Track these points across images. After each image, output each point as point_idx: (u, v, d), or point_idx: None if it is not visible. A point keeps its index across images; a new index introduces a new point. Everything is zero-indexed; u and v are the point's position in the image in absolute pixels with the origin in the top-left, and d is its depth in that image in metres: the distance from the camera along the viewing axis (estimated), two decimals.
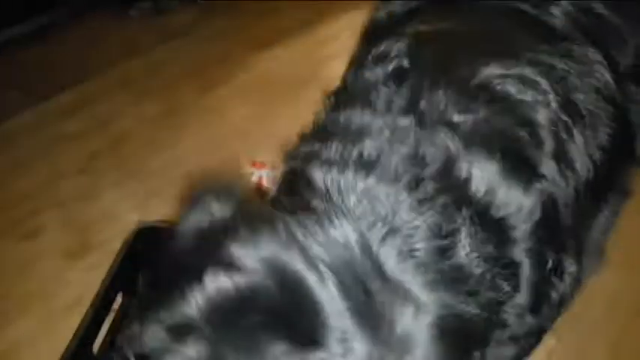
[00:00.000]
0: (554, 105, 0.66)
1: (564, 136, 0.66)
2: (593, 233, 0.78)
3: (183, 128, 1.94)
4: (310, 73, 2.16)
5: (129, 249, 1.09)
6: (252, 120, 1.95)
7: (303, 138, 0.81)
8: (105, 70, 2.28)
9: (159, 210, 1.61)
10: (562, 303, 0.67)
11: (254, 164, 1.63)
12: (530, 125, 0.64)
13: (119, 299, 1.11)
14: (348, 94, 0.82)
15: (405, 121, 0.65)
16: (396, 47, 0.76)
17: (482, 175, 0.59)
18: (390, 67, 0.73)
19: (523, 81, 0.67)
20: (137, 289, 1.13)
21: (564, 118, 0.67)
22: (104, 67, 2.29)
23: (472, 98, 0.65)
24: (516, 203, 0.59)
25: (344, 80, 0.90)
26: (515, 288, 0.61)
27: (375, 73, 0.75)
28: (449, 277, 0.53)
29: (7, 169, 1.83)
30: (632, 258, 1.35)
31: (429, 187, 0.58)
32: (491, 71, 0.67)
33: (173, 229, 1.07)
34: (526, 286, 0.61)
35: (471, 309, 0.54)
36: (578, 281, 0.69)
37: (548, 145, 0.64)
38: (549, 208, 0.62)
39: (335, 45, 2.29)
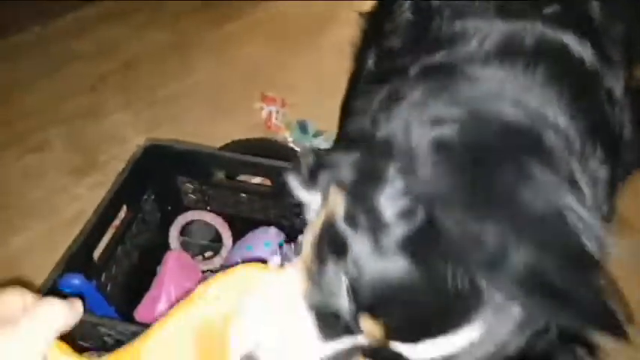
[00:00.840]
0: None
1: None
2: None
3: (192, 61, 1.93)
4: (327, 13, 2.13)
5: (136, 164, 1.10)
6: (262, 58, 1.94)
7: None
8: None
9: (166, 136, 1.62)
10: None
11: (264, 99, 1.64)
12: None
13: (123, 213, 1.14)
14: None
15: None
16: None
17: None
18: None
19: None
20: (141, 204, 1.16)
21: None
22: None
23: None
24: None
25: None
26: None
27: None
28: None
29: (14, 84, 1.82)
30: None
31: None
32: None
33: (180, 149, 1.08)
34: None
35: None
36: None
37: None
38: None
39: None
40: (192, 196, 1.23)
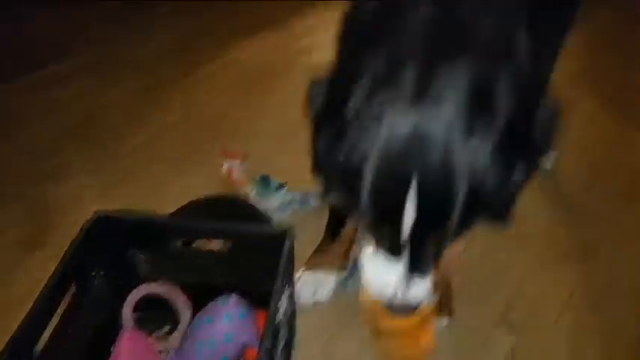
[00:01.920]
0: None
1: None
2: None
3: (151, 113, 1.89)
4: (285, 65, 2.14)
5: (85, 238, 1.04)
6: (224, 109, 1.91)
7: None
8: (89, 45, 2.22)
9: (125, 196, 1.56)
10: None
11: (225, 154, 1.59)
12: None
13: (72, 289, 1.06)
14: None
15: None
16: None
17: None
18: None
19: None
20: (91, 281, 1.08)
21: None
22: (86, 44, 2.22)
23: None
24: None
25: None
26: None
27: None
28: None
29: None
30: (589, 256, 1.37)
31: None
32: None
33: (133, 219, 1.03)
34: None
35: None
36: None
37: None
38: None
39: (310, 39, 2.28)
40: (146, 267, 1.15)
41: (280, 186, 1.49)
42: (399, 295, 0.76)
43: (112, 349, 1.08)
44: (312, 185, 1.48)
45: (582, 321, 1.22)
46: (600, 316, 1.23)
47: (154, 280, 1.16)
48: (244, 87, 2.02)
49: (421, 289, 0.76)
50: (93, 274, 1.10)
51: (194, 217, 1.32)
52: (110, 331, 1.11)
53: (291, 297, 1.10)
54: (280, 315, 0.96)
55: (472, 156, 0.64)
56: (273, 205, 1.44)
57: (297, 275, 1.28)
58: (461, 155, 0.64)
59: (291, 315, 1.15)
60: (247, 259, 1.10)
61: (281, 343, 1.03)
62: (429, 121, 0.64)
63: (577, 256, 1.36)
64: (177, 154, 1.70)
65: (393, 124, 0.65)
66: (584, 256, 1.35)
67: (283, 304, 0.98)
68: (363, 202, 0.69)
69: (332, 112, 0.75)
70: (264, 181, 1.49)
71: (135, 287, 1.16)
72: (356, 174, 0.68)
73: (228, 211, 1.38)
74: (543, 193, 1.53)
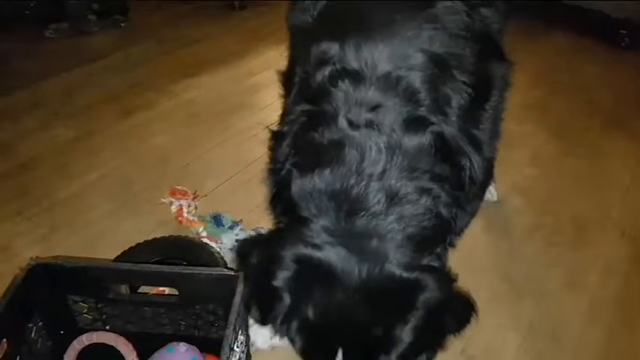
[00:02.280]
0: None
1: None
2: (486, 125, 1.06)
3: (97, 155, 1.82)
4: (237, 101, 2.13)
5: (18, 289, 0.97)
6: (173, 147, 1.87)
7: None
8: (15, 90, 2.14)
9: (63, 243, 1.48)
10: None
11: (173, 192, 1.55)
12: None
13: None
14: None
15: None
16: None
17: None
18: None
19: None
20: (26, 334, 1.01)
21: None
22: (15, 87, 2.15)
23: None
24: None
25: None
26: None
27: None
28: None
29: None
30: (544, 289, 1.42)
31: None
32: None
33: (71, 265, 0.98)
34: None
35: None
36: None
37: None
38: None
39: (263, 75, 2.29)
40: (87, 316, 1.09)
41: (234, 224, 1.46)
42: None
43: None
44: (267, 222, 1.47)
45: (542, 351, 1.24)
46: (560, 344, 1.26)
47: (96, 330, 1.10)
48: (193, 126, 1.99)
49: None
50: (30, 325, 1.03)
51: (139, 261, 1.26)
52: None
53: (246, 343, 1.06)
54: None
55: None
56: (227, 244, 1.41)
57: (251, 321, 1.24)
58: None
59: None
60: (197, 305, 1.06)
61: None
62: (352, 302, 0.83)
63: (531, 288, 1.40)
64: (116, 200, 1.63)
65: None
66: (538, 289, 1.40)
67: (237, 351, 0.94)
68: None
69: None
70: (216, 220, 1.46)
71: (76, 338, 1.09)
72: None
73: (177, 252, 1.33)
74: (493, 227, 1.58)
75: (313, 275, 0.85)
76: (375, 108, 0.89)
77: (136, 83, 2.22)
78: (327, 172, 0.88)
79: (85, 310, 1.08)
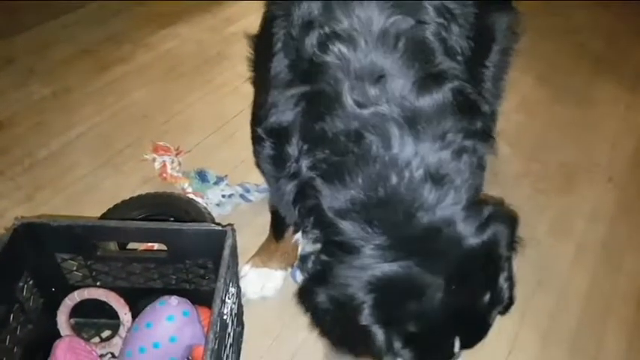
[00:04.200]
0: None
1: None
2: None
3: (76, 112, 1.76)
4: (217, 52, 2.06)
5: (5, 248, 0.95)
6: (153, 102, 1.81)
7: None
8: None
9: (47, 202, 1.46)
10: None
11: (156, 149, 1.52)
12: None
13: None
14: None
15: None
16: None
17: None
18: None
19: None
20: (17, 293, 1.00)
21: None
22: None
23: None
24: None
25: None
26: None
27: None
28: None
29: None
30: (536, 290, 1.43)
31: None
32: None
33: (56, 224, 0.96)
34: None
35: None
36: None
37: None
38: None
39: (243, 23, 2.20)
40: (77, 273, 1.09)
41: (219, 179, 1.45)
42: None
43: None
44: (252, 177, 1.46)
45: (527, 296, 1.27)
46: (545, 288, 1.30)
47: (87, 286, 1.10)
48: (173, 79, 1.93)
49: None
50: (20, 284, 1.02)
51: (125, 218, 1.25)
52: (46, 342, 1.04)
53: (237, 295, 1.07)
54: (225, 314, 0.93)
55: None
56: (212, 200, 1.40)
57: (242, 273, 1.25)
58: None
59: (238, 311, 1.12)
60: (187, 260, 1.06)
61: (229, 340, 1.01)
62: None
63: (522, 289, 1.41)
64: (98, 158, 1.60)
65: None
66: (526, 236, 1.41)
67: (228, 303, 0.95)
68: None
69: None
70: (201, 176, 1.44)
71: (67, 295, 1.09)
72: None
73: (164, 207, 1.32)
74: None
75: (395, 294, 0.77)
76: (379, 79, 0.77)
77: (112, 36, 2.13)
78: (359, 177, 0.77)
79: (74, 268, 1.08)
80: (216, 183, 1.43)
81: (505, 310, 0.86)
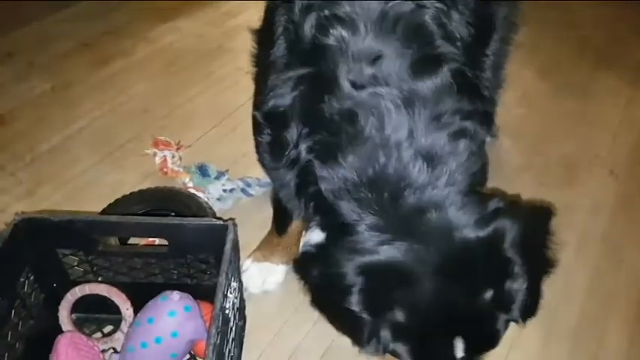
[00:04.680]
0: None
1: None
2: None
3: (76, 106, 1.76)
4: (217, 46, 2.05)
5: (6, 244, 0.95)
6: (153, 96, 1.81)
7: None
8: None
9: (48, 197, 1.45)
10: None
11: (157, 144, 1.51)
12: None
13: None
14: None
15: None
16: None
17: None
18: None
19: None
20: (18, 289, 1.00)
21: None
22: None
23: None
24: None
25: None
26: None
27: None
28: None
29: None
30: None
31: None
32: None
33: (57, 219, 0.95)
34: None
35: None
36: None
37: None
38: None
39: (243, 16, 2.20)
40: (78, 268, 1.08)
41: (220, 174, 1.44)
42: None
43: (50, 358, 1.01)
44: (254, 172, 1.46)
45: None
46: (546, 282, 1.29)
47: (89, 282, 1.10)
48: (174, 73, 1.92)
49: None
50: (21, 280, 1.02)
51: (126, 213, 1.25)
52: (48, 338, 1.04)
53: (239, 289, 1.07)
54: (227, 309, 0.93)
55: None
56: (214, 195, 1.39)
57: (244, 267, 1.25)
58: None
59: (240, 305, 1.12)
60: (188, 255, 1.06)
61: (231, 334, 1.01)
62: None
63: None
64: (99, 152, 1.59)
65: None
66: None
67: (230, 297, 0.95)
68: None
69: None
70: (202, 170, 1.44)
71: (69, 290, 1.09)
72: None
73: (166, 202, 1.32)
74: None
75: (384, 280, 0.75)
76: (375, 60, 0.77)
77: (112, 30, 2.12)
78: (350, 156, 0.76)
79: (75, 263, 1.08)
80: (217, 177, 1.43)
81: (523, 319, 0.80)
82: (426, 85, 0.77)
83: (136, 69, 1.93)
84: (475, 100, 0.81)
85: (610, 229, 1.46)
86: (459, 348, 0.76)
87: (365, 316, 0.76)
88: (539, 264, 0.83)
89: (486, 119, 0.84)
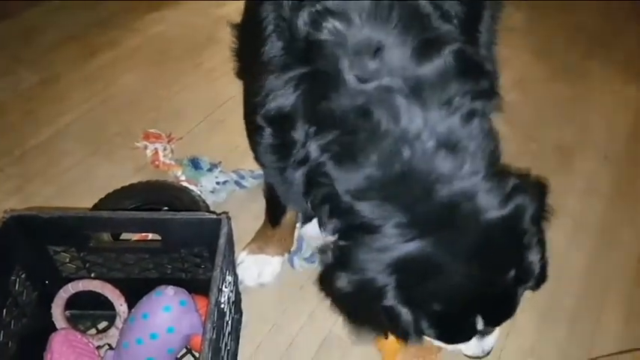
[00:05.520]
0: None
1: None
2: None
3: (65, 99, 1.73)
4: (206, 36, 2.01)
5: None
6: (143, 87, 1.78)
7: None
8: None
9: (38, 192, 1.43)
10: None
11: (147, 136, 1.49)
12: None
13: None
14: None
15: None
16: None
17: None
18: None
19: None
20: (9, 287, 0.99)
21: None
22: None
23: None
24: None
25: None
26: None
27: None
28: None
29: None
30: None
31: None
32: None
33: (47, 216, 0.93)
34: None
35: None
36: None
37: None
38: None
39: (232, 6, 2.15)
40: (70, 265, 1.07)
41: (213, 166, 1.42)
42: (479, 351, 0.88)
43: (44, 356, 1.01)
44: (247, 164, 1.44)
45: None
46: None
47: (81, 278, 1.08)
48: (163, 64, 1.89)
49: (492, 338, 0.89)
50: (13, 278, 1.00)
51: (118, 208, 1.23)
52: (42, 336, 1.03)
53: (234, 283, 1.06)
54: (223, 303, 0.92)
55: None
56: (207, 187, 1.38)
57: (238, 260, 1.24)
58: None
59: (236, 299, 1.11)
60: (182, 249, 1.05)
61: (227, 328, 1.00)
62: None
63: None
64: (89, 146, 1.57)
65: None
66: None
67: (225, 291, 0.94)
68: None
69: None
70: (194, 163, 1.42)
71: (62, 287, 1.08)
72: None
73: (158, 196, 1.30)
74: None
75: (416, 274, 0.76)
76: (377, 52, 0.75)
77: (98, 21, 2.08)
78: (372, 154, 0.74)
79: (67, 260, 1.06)
80: (209, 170, 1.41)
81: (536, 287, 0.84)
82: (430, 70, 0.75)
83: (125, 61, 1.90)
84: (480, 77, 0.80)
85: (605, 212, 1.46)
86: (480, 322, 0.80)
87: (405, 310, 0.78)
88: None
89: (493, 95, 0.82)
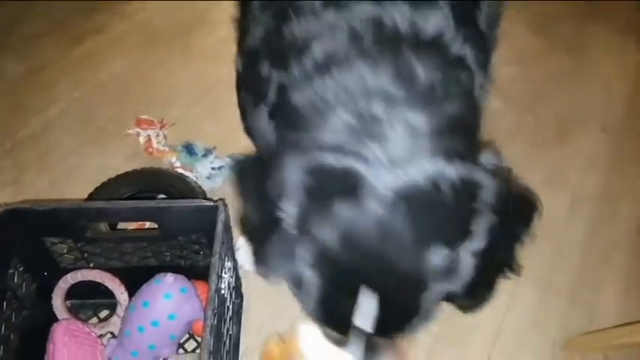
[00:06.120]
0: None
1: None
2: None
3: (53, 88, 1.69)
4: (195, 18, 1.96)
5: None
6: (132, 73, 1.74)
7: None
8: None
9: (33, 184, 1.41)
10: None
11: (140, 123, 1.46)
12: None
13: None
14: None
15: None
16: None
17: None
18: None
19: None
20: (8, 280, 0.98)
21: None
22: None
23: None
24: None
25: None
26: None
27: None
28: None
29: None
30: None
31: None
32: None
33: (41, 208, 0.92)
34: None
35: None
36: None
37: None
38: None
39: None
40: (68, 256, 1.06)
41: (207, 151, 1.40)
42: None
43: (47, 346, 1.01)
44: (242, 148, 1.42)
45: (523, 249, 1.25)
46: (541, 241, 1.28)
47: (80, 268, 1.08)
48: (151, 48, 1.85)
49: None
50: (11, 271, 0.99)
51: (114, 197, 1.22)
52: (43, 327, 1.04)
53: (234, 268, 1.05)
54: (223, 289, 0.91)
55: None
56: (202, 173, 1.36)
57: (238, 244, 1.23)
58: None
59: (236, 284, 1.11)
60: (179, 237, 1.04)
61: (228, 313, 1.00)
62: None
63: None
64: (80, 135, 1.54)
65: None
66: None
67: (225, 277, 0.93)
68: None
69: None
70: (188, 149, 1.40)
71: (60, 278, 1.07)
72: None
73: (153, 184, 1.29)
74: None
75: (328, 184, 0.61)
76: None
77: (84, 6, 2.01)
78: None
79: (65, 251, 1.05)
80: (204, 155, 1.39)
81: (466, 299, 0.67)
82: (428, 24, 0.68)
83: (112, 45, 1.85)
84: (468, 25, 0.73)
85: (604, 185, 1.45)
86: (366, 309, 0.63)
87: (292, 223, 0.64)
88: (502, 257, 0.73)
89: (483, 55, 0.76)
